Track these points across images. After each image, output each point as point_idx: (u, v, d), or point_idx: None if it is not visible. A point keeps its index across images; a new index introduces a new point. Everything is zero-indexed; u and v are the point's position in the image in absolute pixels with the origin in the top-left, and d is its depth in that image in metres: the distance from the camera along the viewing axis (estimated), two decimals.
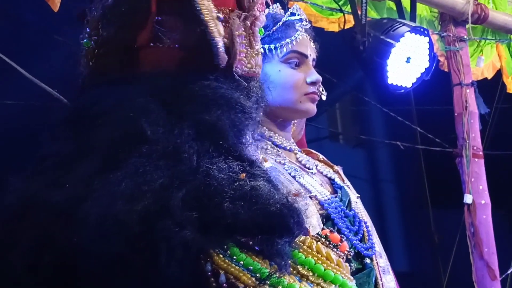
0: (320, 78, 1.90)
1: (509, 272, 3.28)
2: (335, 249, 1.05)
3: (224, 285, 0.93)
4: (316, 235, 1.04)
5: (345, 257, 1.04)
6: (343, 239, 1.04)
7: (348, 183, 1.98)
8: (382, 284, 1.85)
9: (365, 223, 1.89)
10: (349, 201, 1.90)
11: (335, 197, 1.87)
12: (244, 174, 1.00)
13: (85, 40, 1.12)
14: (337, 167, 2.00)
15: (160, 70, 1.06)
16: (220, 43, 1.02)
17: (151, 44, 1.06)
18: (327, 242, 1.05)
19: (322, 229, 1.77)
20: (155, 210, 0.93)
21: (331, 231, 1.03)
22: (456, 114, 3.11)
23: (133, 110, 1.00)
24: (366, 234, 1.87)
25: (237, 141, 1.02)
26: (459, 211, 3.23)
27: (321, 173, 1.93)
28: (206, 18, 1.02)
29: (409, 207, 5.87)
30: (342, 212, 1.85)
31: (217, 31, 1.02)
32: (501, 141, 3.92)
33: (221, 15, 1.04)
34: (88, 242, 0.92)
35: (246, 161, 1.03)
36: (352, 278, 1.04)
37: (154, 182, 0.94)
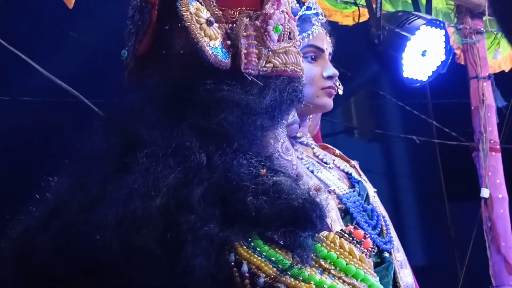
0: (337, 72, 1.90)
1: None
2: (358, 245, 1.06)
3: (246, 274, 0.95)
4: (340, 231, 1.05)
5: (368, 253, 1.05)
6: (367, 236, 1.05)
7: (365, 177, 1.98)
8: (400, 278, 1.85)
9: (383, 217, 1.89)
10: (367, 195, 1.90)
11: (353, 191, 1.87)
12: (265, 170, 1.01)
13: (123, 50, 1.15)
14: (353, 162, 2.00)
15: (162, 76, 1.08)
16: (207, 47, 1.02)
17: (154, 52, 1.08)
18: (351, 238, 1.06)
19: (346, 225, 1.79)
20: (174, 205, 0.95)
21: (355, 228, 1.04)
22: (472, 108, 3.09)
23: (130, 116, 1.04)
24: (384, 228, 1.87)
25: (246, 142, 1.02)
26: (476, 205, 3.21)
27: (338, 167, 1.93)
28: (187, 24, 1.02)
29: (426, 201, 5.85)
30: (361, 206, 1.85)
31: (202, 35, 1.03)
32: None
33: (212, 18, 1.04)
34: (108, 240, 0.94)
35: (264, 157, 1.04)
36: (375, 274, 1.05)
37: (168, 179, 0.96)
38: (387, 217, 1.91)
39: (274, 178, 1.01)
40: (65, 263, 0.98)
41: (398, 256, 1.88)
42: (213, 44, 1.04)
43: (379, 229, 1.85)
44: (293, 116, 1.12)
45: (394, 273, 1.84)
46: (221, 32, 1.06)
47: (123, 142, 1.02)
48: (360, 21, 3.07)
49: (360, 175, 1.96)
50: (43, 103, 3.26)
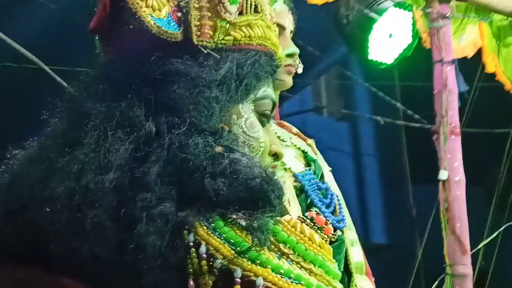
0: (297, 50, 1.91)
1: (479, 247, 3.35)
2: (319, 231, 1.07)
3: (204, 255, 0.95)
4: (301, 216, 1.06)
5: (329, 239, 1.06)
6: (329, 222, 1.06)
7: (321, 156, 2.01)
8: (351, 256, 1.89)
9: (337, 196, 1.92)
10: (322, 174, 1.93)
11: (309, 170, 1.90)
12: (220, 148, 1.01)
13: None
14: (310, 141, 2.02)
15: (114, 53, 1.08)
16: (148, 17, 1.01)
17: (110, 29, 1.08)
18: (312, 224, 1.07)
19: (301, 203, 1.82)
20: (128, 182, 0.96)
21: (317, 213, 1.06)
22: (435, 91, 3.13)
23: (80, 93, 1.05)
24: (337, 206, 1.90)
25: (200, 116, 1.01)
26: (437, 187, 3.28)
27: (295, 145, 1.95)
28: None
29: (390, 182, 5.93)
30: (316, 184, 1.88)
31: (142, 5, 1.02)
32: (479, 119, 3.96)
33: None
34: (57, 212, 0.95)
35: (218, 134, 1.03)
36: (334, 260, 1.06)
37: (119, 152, 0.97)
38: (340, 196, 1.95)
39: (231, 156, 1.00)
40: (14, 230, 0.99)
41: (350, 234, 1.92)
42: (157, 15, 1.03)
43: (333, 208, 1.89)
44: (264, 91, 1.11)
45: (346, 251, 1.89)
46: (170, 4, 1.05)
47: (72, 117, 1.03)
48: (330, 0, 3.07)
49: (316, 154, 2.00)
50: (1, 68, 3.21)
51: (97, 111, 1.00)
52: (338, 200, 1.92)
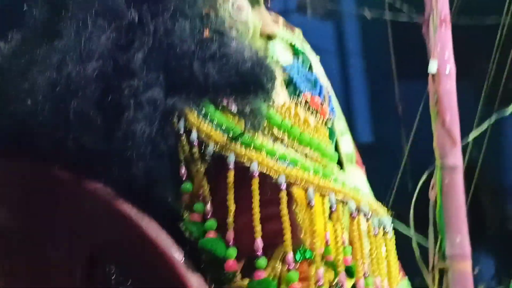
0: None
1: (469, 140, 3.37)
2: (315, 113, 1.05)
3: (195, 142, 0.94)
4: (296, 100, 1.03)
5: (324, 121, 1.03)
6: (324, 104, 1.02)
7: (308, 46, 1.96)
8: (341, 146, 1.89)
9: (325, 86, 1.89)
10: (310, 65, 1.89)
11: (297, 61, 1.86)
12: (208, 32, 0.97)
13: None
14: (297, 30, 1.97)
15: None
16: None
17: None
18: (307, 107, 1.05)
19: (290, 95, 1.80)
20: (112, 69, 0.93)
21: (312, 96, 1.02)
22: None
23: None
24: (327, 97, 1.87)
25: (183, 2, 0.98)
26: (426, 82, 3.24)
27: (282, 38, 1.90)
28: None
29: (375, 80, 5.93)
30: (304, 76, 1.84)
31: None
32: (471, 10, 3.87)
33: None
34: (39, 103, 0.94)
35: (205, 19, 1.00)
36: (330, 141, 1.04)
37: (100, 40, 0.93)
38: (329, 87, 1.92)
39: (219, 40, 0.96)
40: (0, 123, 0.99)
41: (339, 124, 1.90)
42: None
43: (322, 98, 1.85)
44: None
45: (336, 141, 1.88)
46: None
47: (51, 9, 1.01)
48: None
49: (303, 44, 1.95)
50: None
51: (75, 1, 0.99)
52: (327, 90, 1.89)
